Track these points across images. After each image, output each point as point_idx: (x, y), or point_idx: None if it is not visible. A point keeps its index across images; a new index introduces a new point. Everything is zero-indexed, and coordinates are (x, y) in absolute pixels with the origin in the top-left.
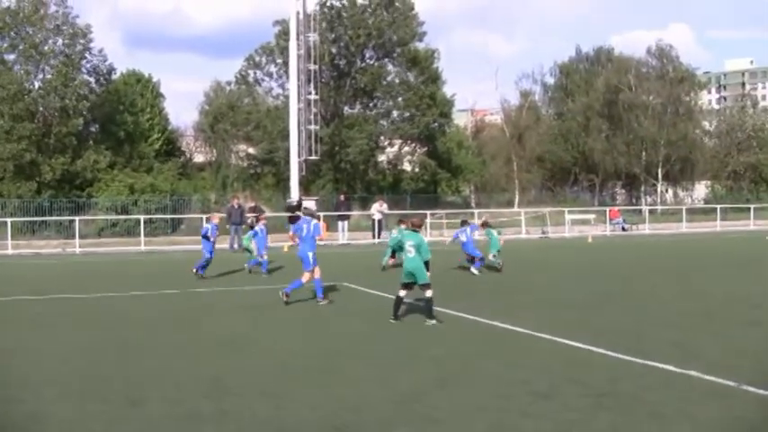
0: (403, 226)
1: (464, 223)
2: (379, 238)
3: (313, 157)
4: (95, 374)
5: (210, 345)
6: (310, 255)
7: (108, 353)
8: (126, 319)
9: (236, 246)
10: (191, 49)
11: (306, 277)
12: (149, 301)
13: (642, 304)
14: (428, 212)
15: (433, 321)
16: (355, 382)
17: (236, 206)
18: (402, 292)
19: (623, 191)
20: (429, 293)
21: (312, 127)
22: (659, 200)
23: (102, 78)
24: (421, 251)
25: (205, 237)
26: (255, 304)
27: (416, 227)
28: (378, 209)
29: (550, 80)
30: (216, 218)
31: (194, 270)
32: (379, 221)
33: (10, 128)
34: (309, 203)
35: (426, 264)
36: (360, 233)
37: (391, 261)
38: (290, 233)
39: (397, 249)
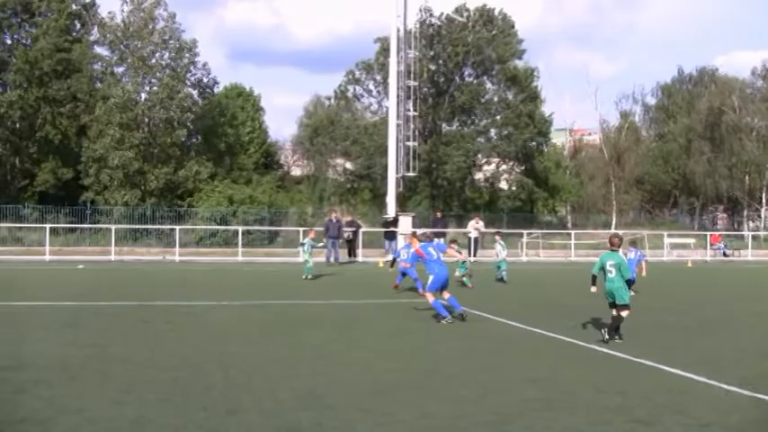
0: (498, 238)
1: (632, 244)
2: (475, 256)
3: (410, 174)
4: (195, 382)
5: (308, 357)
6: (431, 278)
7: (207, 362)
8: (224, 329)
9: (331, 259)
10: (292, 63)
11: (446, 295)
12: (247, 312)
13: (746, 332)
14: (524, 232)
15: (607, 337)
16: (450, 401)
17: (333, 220)
18: (614, 312)
19: (725, 215)
20: (625, 314)
21: (410, 143)
22: (763, 225)
23: (205, 91)
24: (622, 271)
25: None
26: (352, 317)
27: (615, 246)
28: (474, 226)
29: (651, 101)
30: (312, 233)
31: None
32: (476, 239)
33: (120, 137)
34: (406, 220)
35: (629, 283)
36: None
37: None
38: (418, 252)
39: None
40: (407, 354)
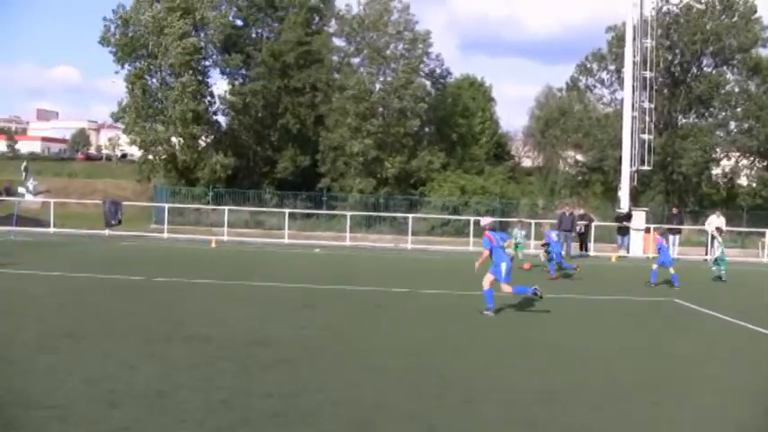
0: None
1: None
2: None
3: (645, 168)
4: (430, 369)
5: (541, 350)
6: (503, 266)
7: (441, 349)
8: (457, 318)
9: (563, 253)
10: (524, 54)
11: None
12: (478, 303)
13: None
14: (766, 231)
15: None
16: (690, 405)
17: (566, 214)
18: None
19: None
20: None
21: (645, 136)
22: None
23: (438, 81)
24: None
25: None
26: (585, 312)
27: None
28: (716, 223)
29: None
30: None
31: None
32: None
33: (356, 126)
34: (639, 215)
35: None
36: (690, 248)
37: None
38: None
39: None
40: (644, 352)
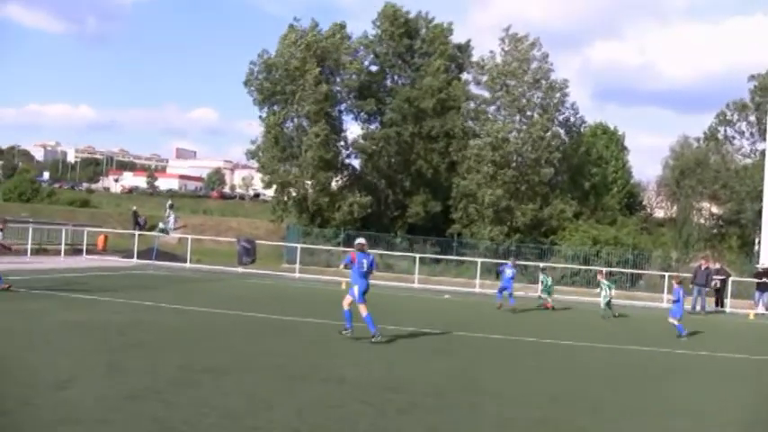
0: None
1: None
2: None
3: None
4: (565, 424)
5: (666, 410)
6: (356, 288)
7: (576, 403)
8: (591, 371)
9: (697, 308)
10: (658, 102)
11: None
12: (611, 356)
13: None
14: None
15: None
16: None
17: (702, 267)
18: None
19: None
20: None
21: None
22: None
23: (572, 130)
24: None
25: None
26: (719, 371)
27: None
28: None
29: None
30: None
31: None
32: None
33: (492, 175)
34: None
35: None
36: None
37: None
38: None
39: None
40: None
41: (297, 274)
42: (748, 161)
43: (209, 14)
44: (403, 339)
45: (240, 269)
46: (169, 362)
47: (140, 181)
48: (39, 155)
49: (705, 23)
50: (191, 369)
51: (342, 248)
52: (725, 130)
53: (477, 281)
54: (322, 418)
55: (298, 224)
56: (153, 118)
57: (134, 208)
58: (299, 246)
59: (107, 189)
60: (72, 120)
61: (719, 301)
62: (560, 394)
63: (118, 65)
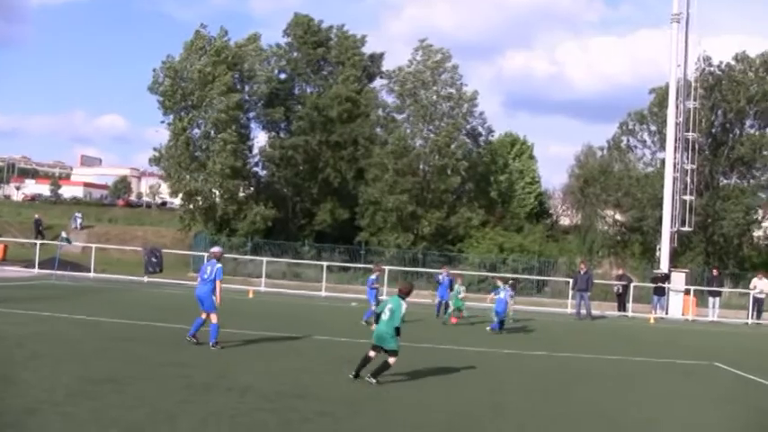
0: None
1: None
2: (758, 318)
3: (685, 229)
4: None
5: (584, 416)
6: (209, 296)
7: (484, 410)
8: (494, 377)
9: (583, 311)
10: (566, 112)
11: (213, 318)
12: (519, 361)
13: None
14: None
15: None
16: None
17: (581, 272)
18: None
19: None
20: None
21: (687, 197)
22: None
23: (479, 139)
24: None
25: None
26: (625, 375)
27: None
28: (759, 285)
29: None
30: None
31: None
32: (761, 300)
33: (394, 181)
34: (679, 276)
35: None
36: (729, 311)
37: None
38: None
39: None
40: (682, 420)
41: None
42: (650, 169)
43: (118, 19)
44: (312, 348)
45: (146, 278)
46: (69, 373)
47: (44, 188)
48: None
49: (613, 36)
50: (91, 381)
51: (249, 257)
52: (627, 140)
53: (386, 288)
54: (226, 427)
55: (205, 233)
56: (59, 125)
57: (37, 216)
58: (205, 254)
59: (8, 197)
60: None
61: (622, 306)
62: (468, 401)
63: (23, 70)
